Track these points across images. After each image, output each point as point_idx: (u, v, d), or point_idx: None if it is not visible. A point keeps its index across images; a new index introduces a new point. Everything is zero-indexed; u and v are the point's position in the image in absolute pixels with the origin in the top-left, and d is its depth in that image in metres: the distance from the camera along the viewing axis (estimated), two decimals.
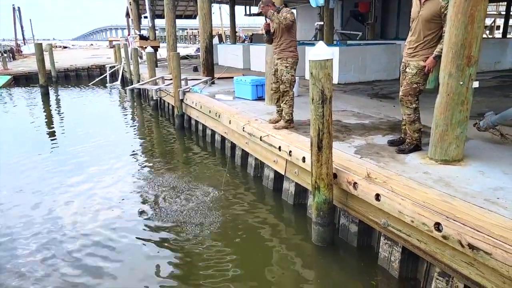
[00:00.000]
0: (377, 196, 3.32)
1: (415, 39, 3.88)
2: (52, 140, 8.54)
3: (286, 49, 5.27)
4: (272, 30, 5.31)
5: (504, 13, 17.21)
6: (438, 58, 3.66)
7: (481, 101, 6.40)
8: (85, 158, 7.01)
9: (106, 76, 18.37)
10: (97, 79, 18.43)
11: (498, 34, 28.62)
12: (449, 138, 3.60)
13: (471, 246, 2.55)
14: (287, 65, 5.27)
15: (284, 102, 5.42)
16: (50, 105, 13.08)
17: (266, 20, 5.27)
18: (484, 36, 19.69)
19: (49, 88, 15.17)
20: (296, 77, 5.47)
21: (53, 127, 9.92)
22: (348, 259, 3.76)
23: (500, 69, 11.96)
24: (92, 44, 61.35)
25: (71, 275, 3.57)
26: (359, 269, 3.61)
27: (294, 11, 20.60)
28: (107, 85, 17.43)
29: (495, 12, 30.98)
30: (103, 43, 63.23)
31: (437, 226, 2.78)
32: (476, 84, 3.48)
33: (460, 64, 3.36)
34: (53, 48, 21.07)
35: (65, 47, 47.07)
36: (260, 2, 5.22)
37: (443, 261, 2.88)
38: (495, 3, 27.18)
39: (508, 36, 16.43)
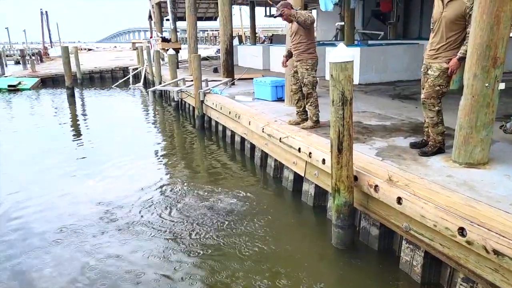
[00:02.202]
0: (399, 200, 3.28)
1: (438, 41, 3.81)
2: (77, 139, 8.77)
3: (306, 51, 5.27)
4: (290, 33, 5.37)
5: None
6: (462, 60, 3.59)
7: (508, 102, 6.22)
8: (107, 157, 7.17)
9: (129, 78, 18.73)
10: (120, 81, 18.80)
11: None
12: (473, 140, 3.51)
13: (496, 252, 2.49)
14: (308, 67, 5.27)
15: (309, 104, 5.42)
16: (76, 106, 13.44)
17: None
18: None
19: (75, 90, 15.58)
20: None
21: (78, 127, 10.21)
22: (369, 262, 3.72)
23: None
24: (115, 46, 62.56)
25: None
26: (380, 273, 3.57)
27: (314, 11, 20.52)
28: (130, 86, 17.77)
29: None
30: (126, 45, 64.43)
31: (461, 231, 2.73)
32: (502, 86, 3.39)
33: (486, 65, 3.28)
34: (78, 51, 21.61)
35: (89, 50, 48.24)
36: (279, 5, 5.23)
37: (467, 266, 2.82)
38: None
39: None
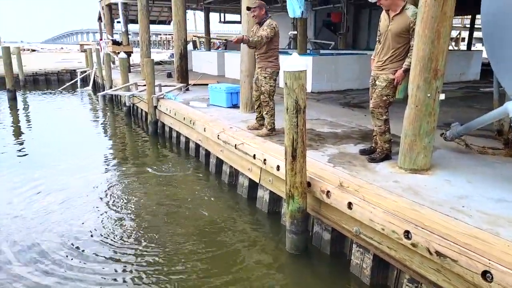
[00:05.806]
0: (349, 205, 3.40)
1: (384, 52, 4.01)
2: (19, 146, 8.23)
3: (266, 59, 5.30)
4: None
5: (469, 26, 18.04)
6: (406, 71, 3.80)
7: (447, 111, 6.66)
8: (52, 164, 6.80)
9: (77, 81, 17.95)
10: (67, 84, 17.96)
11: (463, 45, 29.87)
12: (417, 148, 3.73)
13: (438, 253, 2.65)
14: (266, 75, 5.31)
15: (265, 112, 5.45)
16: (18, 110, 12.64)
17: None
18: (450, 48, 20.48)
19: (17, 93, 14.67)
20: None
21: (20, 133, 9.57)
22: (321, 266, 3.82)
23: (465, 80, 12.48)
24: (62, 48, 59.65)
25: None
26: (332, 276, 3.67)
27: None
28: (78, 90, 17.03)
29: (460, 25, 32.31)
30: (74, 47, 61.67)
31: (407, 234, 2.88)
32: (442, 96, 3.63)
33: (428, 77, 3.50)
34: (21, 51, 20.37)
35: (33, 50, 45.58)
36: (254, 4, 5.24)
37: (412, 268, 2.97)
38: (461, 17, 28.38)
39: (472, 48, 17.16)
